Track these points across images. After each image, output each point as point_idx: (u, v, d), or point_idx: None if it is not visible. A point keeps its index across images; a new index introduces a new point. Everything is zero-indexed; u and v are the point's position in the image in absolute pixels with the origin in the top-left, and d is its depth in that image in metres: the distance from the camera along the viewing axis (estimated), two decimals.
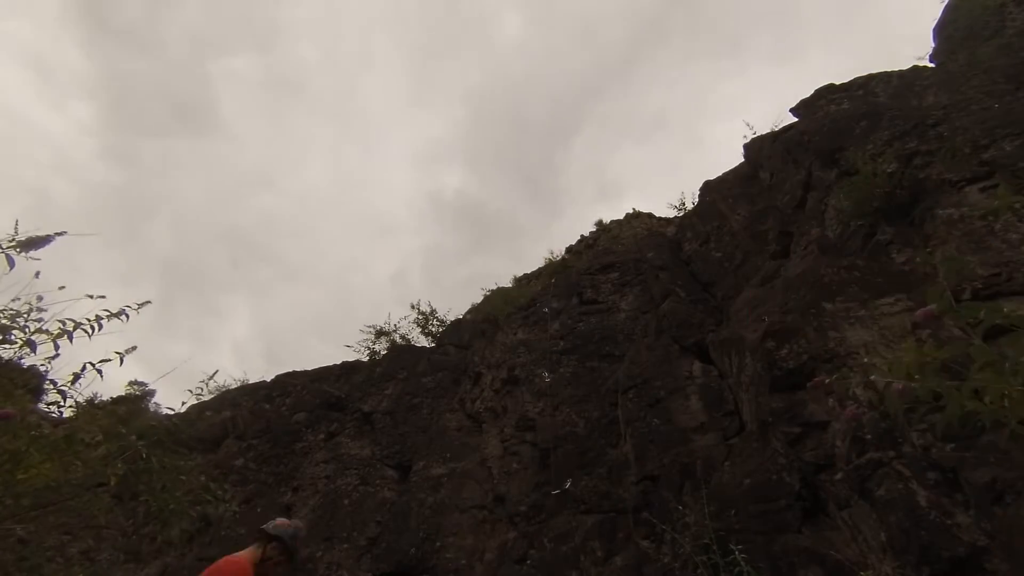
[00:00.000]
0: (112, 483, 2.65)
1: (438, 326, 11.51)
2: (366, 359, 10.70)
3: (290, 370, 10.41)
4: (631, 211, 13.74)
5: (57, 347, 2.30)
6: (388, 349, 10.70)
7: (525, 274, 13.34)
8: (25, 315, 2.35)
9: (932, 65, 7.85)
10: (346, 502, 7.33)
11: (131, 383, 10.87)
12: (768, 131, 8.60)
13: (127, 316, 2.47)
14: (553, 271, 11.91)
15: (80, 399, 2.85)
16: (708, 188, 8.99)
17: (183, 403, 3.49)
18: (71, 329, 2.29)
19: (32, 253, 2.15)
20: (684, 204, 11.72)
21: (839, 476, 3.80)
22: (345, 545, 6.73)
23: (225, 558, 2.38)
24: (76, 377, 2.53)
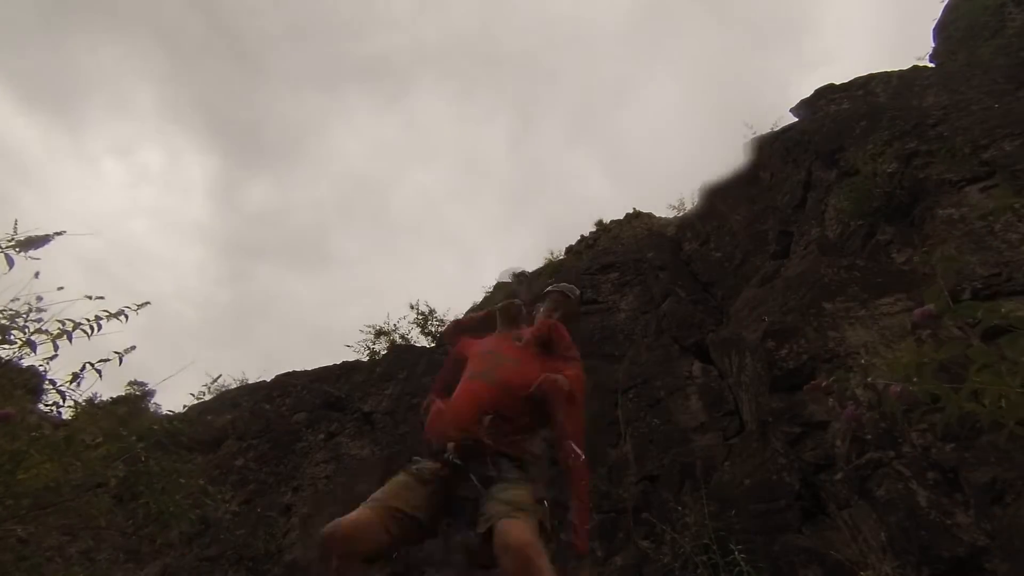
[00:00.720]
0: (112, 484, 2.65)
1: (438, 326, 11.52)
2: (366, 359, 10.70)
3: (290, 370, 10.42)
4: (631, 211, 13.74)
5: (56, 347, 2.30)
6: (388, 349, 10.70)
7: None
8: (24, 315, 2.35)
9: (932, 65, 7.85)
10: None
11: (131, 383, 10.87)
12: (768, 131, 8.61)
13: (126, 317, 2.47)
14: (553, 271, 11.91)
15: (80, 399, 2.85)
16: (708, 188, 8.99)
17: (184, 406, 3.50)
18: (71, 329, 2.30)
19: (31, 253, 2.15)
20: (684, 204, 11.73)
21: (839, 476, 3.80)
22: None
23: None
24: (75, 377, 2.53)
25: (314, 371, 10.32)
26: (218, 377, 10.91)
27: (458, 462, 1.95)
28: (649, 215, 13.36)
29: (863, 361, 3.96)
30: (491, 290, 12.32)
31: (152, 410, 9.97)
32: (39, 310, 2.38)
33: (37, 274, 2.23)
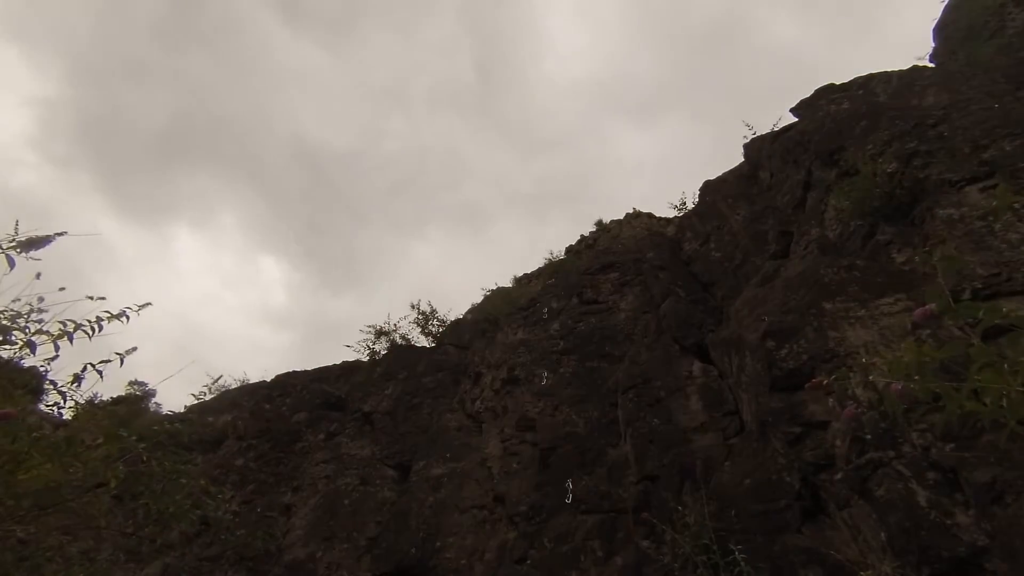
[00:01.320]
0: (112, 485, 2.65)
1: (438, 326, 11.51)
2: (366, 359, 10.70)
3: (290, 370, 10.42)
4: (631, 211, 13.73)
5: (57, 348, 2.30)
6: (388, 349, 10.69)
7: (525, 274, 13.34)
8: (25, 316, 2.35)
9: (932, 65, 7.85)
10: (346, 502, 7.33)
11: (131, 383, 10.87)
12: (768, 131, 8.60)
13: (127, 318, 2.47)
14: (553, 271, 11.91)
15: (80, 400, 2.85)
16: (708, 188, 8.99)
17: (185, 406, 3.50)
18: (72, 330, 2.30)
19: (32, 253, 2.15)
20: (684, 204, 11.70)
21: (839, 476, 3.80)
22: (345, 545, 6.74)
23: None
24: (76, 378, 2.53)
25: (314, 371, 10.33)
26: (219, 378, 10.90)
27: None
28: (649, 215, 13.35)
29: (863, 361, 3.96)
30: (489, 292, 12.31)
31: (152, 410, 9.97)
32: (40, 311, 2.38)
33: (39, 275, 2.23)
